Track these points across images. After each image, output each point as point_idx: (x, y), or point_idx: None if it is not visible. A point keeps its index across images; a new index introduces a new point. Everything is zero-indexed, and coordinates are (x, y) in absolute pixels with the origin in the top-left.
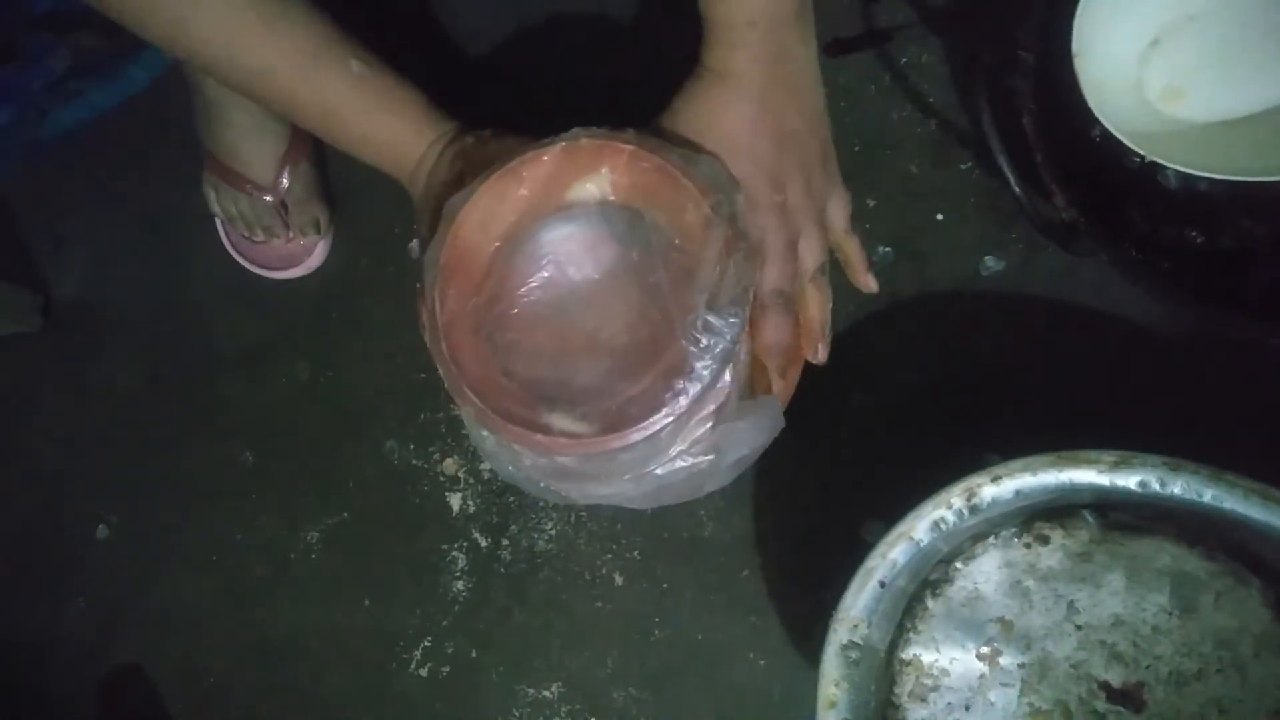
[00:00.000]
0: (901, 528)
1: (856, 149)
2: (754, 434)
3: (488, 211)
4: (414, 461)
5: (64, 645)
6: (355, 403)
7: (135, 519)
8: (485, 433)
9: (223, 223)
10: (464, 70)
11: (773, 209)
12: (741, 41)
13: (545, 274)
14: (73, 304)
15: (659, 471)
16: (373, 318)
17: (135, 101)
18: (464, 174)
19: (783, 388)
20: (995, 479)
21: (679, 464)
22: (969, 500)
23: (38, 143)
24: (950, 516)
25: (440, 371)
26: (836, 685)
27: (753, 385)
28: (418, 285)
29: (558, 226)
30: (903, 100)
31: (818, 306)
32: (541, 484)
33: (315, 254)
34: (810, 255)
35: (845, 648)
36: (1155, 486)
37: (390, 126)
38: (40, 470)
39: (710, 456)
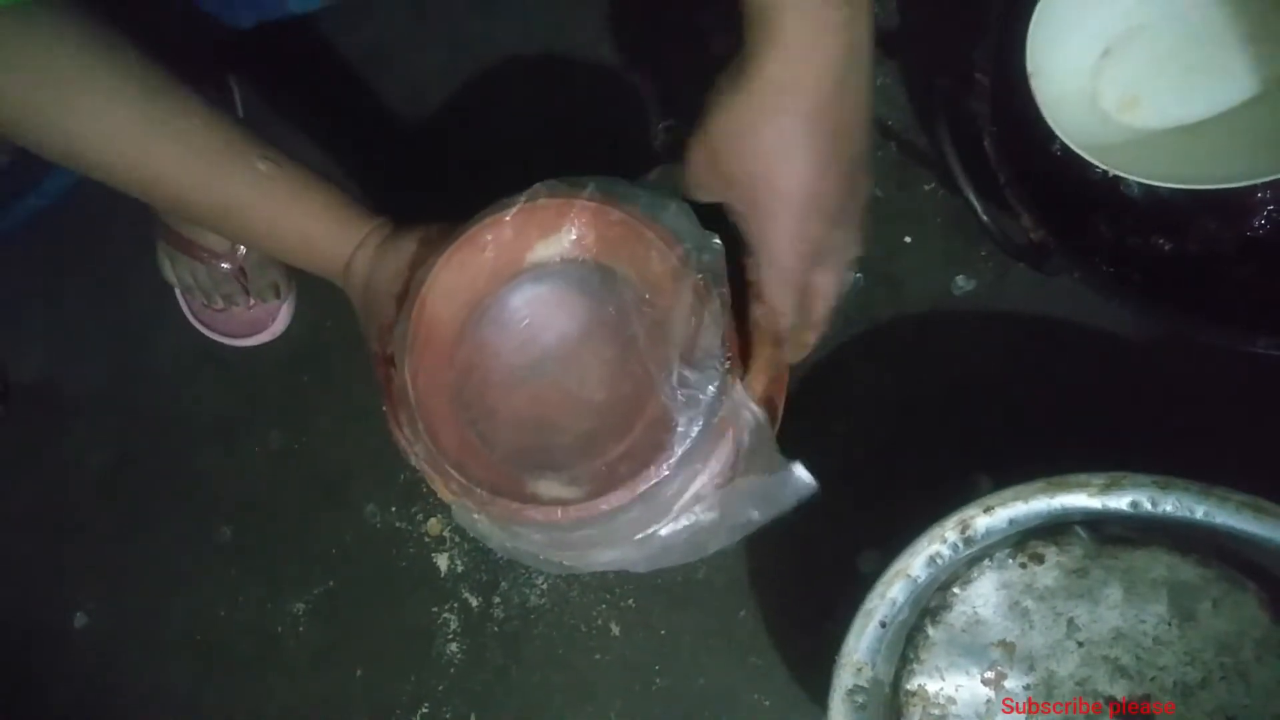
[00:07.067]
0: (898, 565)
1: None
2: (769, 501)
3: (453, 281)
4: (397, 524)
5: None
6: (332, 468)
7: (114, 604)
8: (476, 516)
9: (181, 293)
10: (420, 121)
11: (837, 243)
12: (811, 50)
13: (519, 338)
14: (34, 386)
15: (662, 533)
16: (343, 380)
17: (86, 179)
18: (428, 257)
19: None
20: (988, 509)
21: (682, 522)
22: (963, 533)
23: None
24: (946, 550)
25: (419, 452)
26: None
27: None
28: (380, 375)
29: (527, 288)
30: None
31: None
32: (541, 556)
33: (279, 319)
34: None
35: (851, 692)
36: (1147, 506)
37: (304, 226)
38: (11, 559)
39: (714, 515)
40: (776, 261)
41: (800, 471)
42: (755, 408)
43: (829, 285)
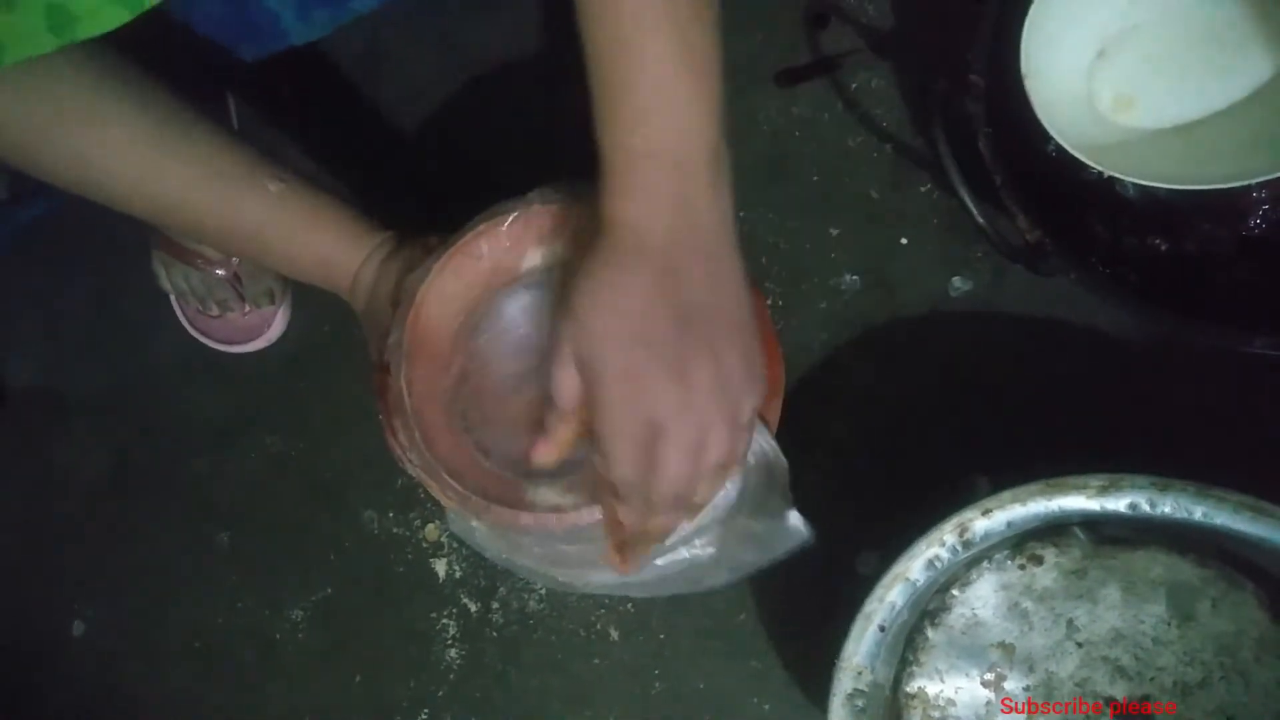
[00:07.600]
0: (897, 569)
1: (815, 178)
2: (764, 546)
3: (449, 287)
4: (395, 530)
5: None
6: (329, 473)
7: (112, 611)
8: (475, 524)
9: (176, 299)
10: (418, 124)
11: (675, 405)
12: (638, 186)
13: (515, 345)
14: (29, 391)
15: (659, 561)
16: (340, 385)
17: None
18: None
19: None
20: (986, 511)
21: (681, 554)
22: (961, 535)
23: None
24: (944, 553)
25: (414, 460)
26: None
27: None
28: (376, 383)
29: (523, 294)
30: (856, 126)
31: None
32: (538, 570)
33: (274, 325)
34: (716, 450)
35: (851, 696)
36: (1145, 508)
37: (317, 244)
38: (7, 567)
39: (711, 550)
40: (593, 385)
41: (796, 520)
42: (772, 443)
43: (668, 460)
